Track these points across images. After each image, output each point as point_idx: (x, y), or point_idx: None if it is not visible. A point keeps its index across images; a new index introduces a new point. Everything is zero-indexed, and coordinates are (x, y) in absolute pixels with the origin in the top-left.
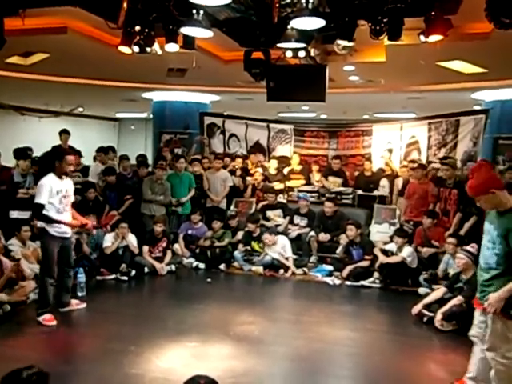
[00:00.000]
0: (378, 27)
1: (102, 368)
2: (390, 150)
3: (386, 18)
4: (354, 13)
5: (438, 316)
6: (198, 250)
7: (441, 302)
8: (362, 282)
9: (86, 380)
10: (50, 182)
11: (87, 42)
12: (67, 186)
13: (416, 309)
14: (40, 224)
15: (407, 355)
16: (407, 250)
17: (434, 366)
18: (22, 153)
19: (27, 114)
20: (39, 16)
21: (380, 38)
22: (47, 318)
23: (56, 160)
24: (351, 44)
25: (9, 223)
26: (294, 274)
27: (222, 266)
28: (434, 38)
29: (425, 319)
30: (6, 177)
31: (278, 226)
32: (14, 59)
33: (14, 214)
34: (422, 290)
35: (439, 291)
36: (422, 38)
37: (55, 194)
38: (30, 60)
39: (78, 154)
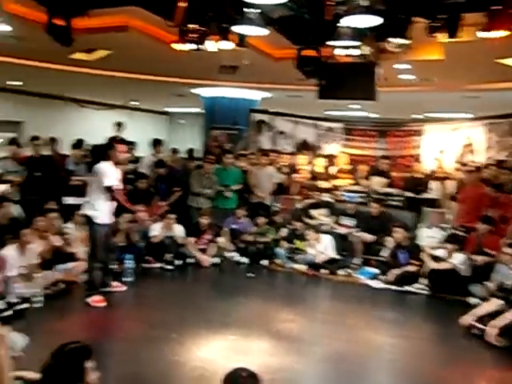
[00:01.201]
0: (435, 24)
1: (144, 352)
2: (442, 152)
3: (444, 15)
4: (409, 10)
5: (493, 330)
6: (241, 245)
7: (493, 314)
8: (408, 288)
9: (128, 362)
10: (108, 167)
11: (146, 40)
12: (119, 174)
13: (466, 320)
14: (88, 212)
15: (454, 369)
16: (460, 257)
17: (482, 382)
18: (76, 143)
19: (86, 105)
20: (102, 16)
21: (437, 35)
22: (96, 300)
23: (108, 149)
24: (406, 42)
25: (63, 208)
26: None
27: (265, 262)
28: (497, 33)
29: (475, 332)
30: (61, 164)
31: (322, 224)
32: (77, 55)
33: (68, 200)
34: (473, 301)
35: (492, 303)
36: (482, 34)
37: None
38: (92, 56)
39: (130, 144)
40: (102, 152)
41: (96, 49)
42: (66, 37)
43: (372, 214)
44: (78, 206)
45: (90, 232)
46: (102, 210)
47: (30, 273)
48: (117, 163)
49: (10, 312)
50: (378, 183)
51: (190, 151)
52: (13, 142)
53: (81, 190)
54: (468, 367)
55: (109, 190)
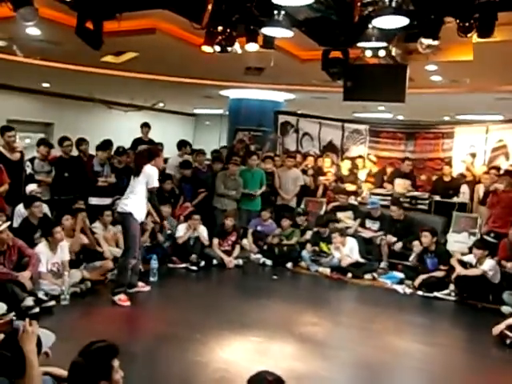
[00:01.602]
0: (467, 24)
1: (169, 351)
2: (473, 155)
3: (477, 14)
4: (440, 9)
5: None
6: (265, 247)
7: None
8: (436, 294)
9: (153, 361)
10: (154, 171)
11: (173, 42)
12: None
13: (498, 329)
14: (128, 209)
15: (485, 379)
16: (489, 263)
17: None
18: (101, 145)
19: (114, 107)
20: (131, 19)
21: (469, 35)
22: (122, 299)
23: (155, 156)
24: (436, 42)
25: (89, 208)
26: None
27: (289, 265)
28: None
29: (508, 341)
30: (89, 165)
31: (347, 228)
32: (107, 58)
33: (94, 201)
34: (505, 309)
35: None
36: None
37: None
38: (121, 58)
39: (159, 145)
40: (149, 156)
41: (124, 51)
42: (96, 40)
43: (394, 217)
44: (103, 207)
45: (128, 229)
46: (141, 208)
47: (61, 270)
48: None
49: (37, 309)
50: (401, 186)
51: (215, 152)
52: (42, 142)
53: (106, 191)
54: (499, 377)
55: (152, 191)
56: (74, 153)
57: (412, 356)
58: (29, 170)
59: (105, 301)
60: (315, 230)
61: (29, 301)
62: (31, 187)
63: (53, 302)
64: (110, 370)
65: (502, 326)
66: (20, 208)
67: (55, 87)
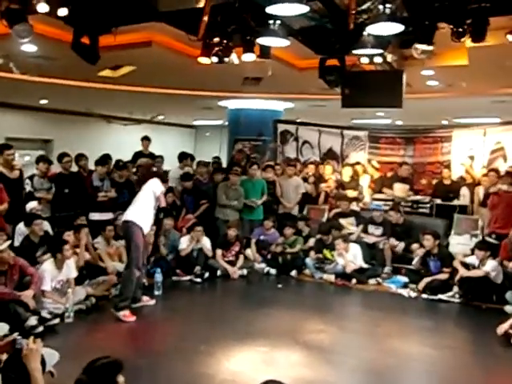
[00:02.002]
0: (460, 29)
1: (174, 364)
2: (472, 157)
3: (469, 19)
4: (433, 15)
5: None
6: (269, 256)
7: None
8: (440, 296)
9: (158, 375)
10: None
11: (169, 54)
12: None
13: (502, 328)
14: (128, 217)
15: (492, 379)
16: (491, 264)
17: None
18: (100, 159)
19: (113, 121)
20: (127, 32)
21: (462, 40)
22: (127, 315)
23: (162, 181)
24: (430, 48)
25: (90, 224)
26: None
27: (293, 273)
28: None
29: None
30: (89, 180)
31: (350, 234)
32: (105, 72)
33: (95, 216)
34: (509, 309)
35: None
36: (510, 37)
37: None
38: (118, 72)
39: (158, 158)
40: (157, 174)
41: (121, 65)
42: (93, 55)
43: (393, 221)
44: (104, 222)
45: (131, 237)
46: (145, 218)
47: (66, 288)
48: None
49: (41, 328)
50: (400, 190)
51: (216, 158)
52: (41, 158)
53: (106, 206)
54: (505, 376)
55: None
56: (74, 169)
57: (419, 359)
58: (28, 188)
59: (109, 317)
60: (318, 237)
61: (32, 320)
62: (31, 205)
63: (57, 320)
64: None
65: (506, 326)
66: (21, 226)
67: (53, 103)
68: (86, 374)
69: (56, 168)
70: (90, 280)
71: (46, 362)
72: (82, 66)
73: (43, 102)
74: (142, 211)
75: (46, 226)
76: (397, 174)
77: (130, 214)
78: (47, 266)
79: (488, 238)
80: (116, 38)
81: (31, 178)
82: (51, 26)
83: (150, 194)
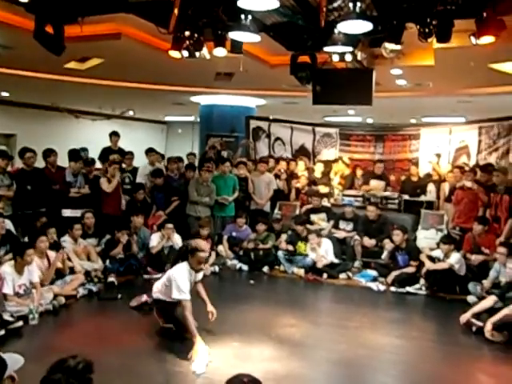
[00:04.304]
0: (426, 29)
1: (147, 364)
2: (438, 155)
3: (435, 20)
4: (402, 15)
5: (489, 326)
6: (241, 252)
7: (491, 311)
8: (408, 289)
9: (131, 375)
10: None
11: (139, 47)
12: None
13: (464, 318)
14: None
15: (455, 365)
16: (455, 257)
17: (483, 377)
18: (73, 154)
19: (81, 116)
20: (95, 23)
21: (429, 40)
22: None
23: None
24: (399, 47)
25: (61, 221)
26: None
27: (265, 269)
28: (486, 39)
29: (474, 329)
30: (59, 176)
31: (321, 229)
32: (71, 64)
33: (67, 213)
34: (470, 299)
35: (489, 300)
36: (473, 39)
37: None
38: (85, 65)
39: (128, 154)
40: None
41: (89, 57)
42: (57, 45)
43: (369, 217)
44: (76, 219)
45: None
46: None
47: (29, 292)
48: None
49: (2, 331)
50: (377, 186)
51: (191, 155)
52: (0, 154)
53: (79, 203)
54: (467, 362)
55: None
56: (41, 164)
57: (387, 349)
58: None
59: (78, 316)
60: (293, 228)
61: None
62: None
63: (20, 323)
64: None
65: (468, 315)
66: None
67: (16, 96)
68: (60, 372)
69: (19, 164)
70: (58, 280)
71: (8, 367)
72: (46, 56)
73: (4, 94)
74: None
75: (8, 224)
76: (372, 171)
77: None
78: (7, 268)
79: (452, 231)
80: (83, 29)
81: None
82: (11, 12)
83: None
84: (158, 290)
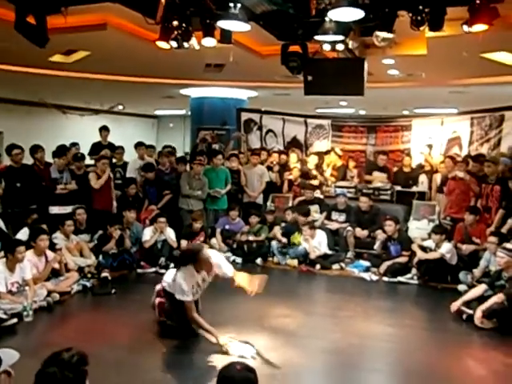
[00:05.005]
0: (418, 17)
1: (142, 358)
2: (430, 146)
3: (428, 8)
4: (394, 3)
5: (478, 313)
6: (235, 245)
7: (481, 299)
8: (400, 278)
9: (127, 369)
10: None
11: (126, 38)
12: None
13: (455, 306)
14: None
15: (446, 352)
16: (446, 247)
17: (473, 363)
18: (57, 151)
19: (69, 112)
20: (80, 14)
21: (421, 28)
22: None
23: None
24: (391, 36)
25: (50, 218)
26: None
27: (259, 261)
28: (479, 27)
29: (464, 316)
30: (47, 173)
31: (314, 221)
32: (56, 57)
33: (54, 210)
34: (461, 287)
35: (479, 288)
36: (466, 28)
37: None
38: (71, 58)
39: (118, 149)
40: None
41: (75, 50)
42: (41, 36)
43: (362, 208)
44: (64, 216)
45: None
46: None
47: (22, 290)
48: None
49: None
50: (378, 178)
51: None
52: None
53: (67, 199)
54: (457, 349)
55: None
56: (29, 161)
57: (379, 337)
58: None
59: (72, 313)
60: (293, 216)
61: None
62: None
63: (14, 320)
64: (84, 378)
65: (458, 303)
66: None
67: (0, 92)
68: (55, 366)
69: (7, 161)
70: (52, 278)
71: (3, 362)
72: (29, 49)
73: None
74: None
75: None
76: (375, 163)
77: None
78: None
79: (443, 221)
80: (67, 20)
81: None
82: None
83: None
84: (167, 282)
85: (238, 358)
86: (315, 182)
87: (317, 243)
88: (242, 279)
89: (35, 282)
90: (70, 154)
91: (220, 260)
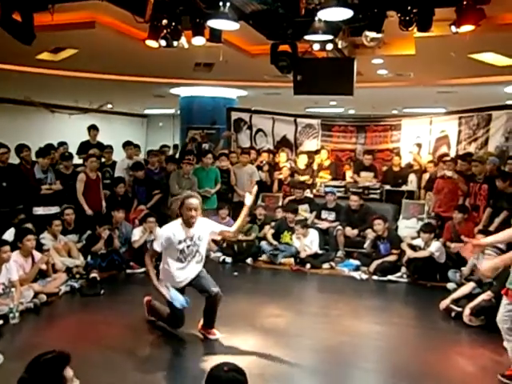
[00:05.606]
0: (407, 18)
1: (132, 360)
2: (419, 145)
3: (416, 9)
4: (383, 3)
5: (467, 311)
6: (224, 244)
7: (469, 297)
8: (389, 277)
9: (116, 370)
10: None
11: (115, 37)
12: None
13: (444, 304)
14: None
15: (434, 349)
16: (435, 245)
17: (461, 360)
18: (42, 150)
19: (57, 111)
20: (67, 11)
21: (409, 29)
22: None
23: None
24: (380, 36)
25: (35, 219)
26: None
27: (249, 260)
28: (466, 28)
29: (453, 314)
30: (31, 173)
31: (306, 219)
32: (44, 55)
33: (39, 211)
34: (450, 286)
35: (468, 286)
36: (453, 28)
37: None
38: (59, 56)
39: (107, 148)
40: None
41: (62, 48)
42: (27, 34)
43: (352, 207)
44: (50, 216)
45: None
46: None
47: (8, 291)
48: None
49: None
50: (365, 178)
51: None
52: None
53: (52, 199)
54: (446, 346)
55: None
56: (16, 161)
57: (369, 336)
58: None
59: (60, 314)
60: (283, 215)
61: None
62: None
63: (0, 322)
64: (62, 382)
65: (447, 301)
66: None
67: None
68: (27, 372)
69: None
70: (40, 280)
71: None
72: (16, 47)
73: None
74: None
75: None
76: (360, 162)
77: None
78: None
79: (431, 220)
80: (54, 17)
81: None
82: None
83: None
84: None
85: (169, 299)
86: (304, 178)
87: (309, 242)
88: (241, 220)
89: (22, 284)
90: (58, 154)
91: (218, 226)
